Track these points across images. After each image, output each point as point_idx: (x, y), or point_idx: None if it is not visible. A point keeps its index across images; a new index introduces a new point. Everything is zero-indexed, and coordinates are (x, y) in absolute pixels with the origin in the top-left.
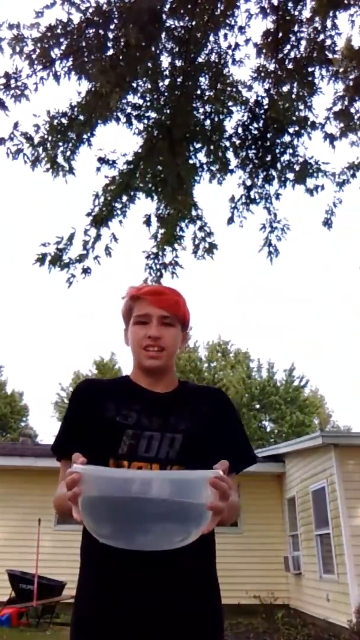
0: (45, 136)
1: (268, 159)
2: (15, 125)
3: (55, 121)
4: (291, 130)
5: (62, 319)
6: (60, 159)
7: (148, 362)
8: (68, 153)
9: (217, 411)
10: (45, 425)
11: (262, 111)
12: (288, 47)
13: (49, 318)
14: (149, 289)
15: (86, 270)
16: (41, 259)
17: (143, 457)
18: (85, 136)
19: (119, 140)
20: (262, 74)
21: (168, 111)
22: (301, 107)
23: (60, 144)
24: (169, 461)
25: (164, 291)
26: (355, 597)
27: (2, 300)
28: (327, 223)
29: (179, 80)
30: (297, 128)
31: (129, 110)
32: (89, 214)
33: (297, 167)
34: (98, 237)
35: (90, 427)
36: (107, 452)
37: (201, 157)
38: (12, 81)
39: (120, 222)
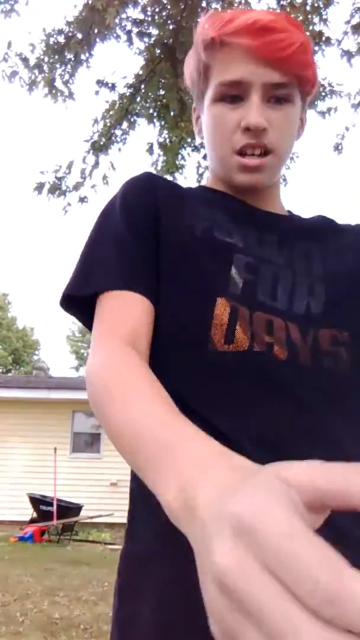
0: (42, 57)
1: None
2: (9, 45)
3: (52, 40)
4: None
5: (72, 251)
6: (58, 83)
7: (242, 178)
8: (66, 76)
9: None
10: (56, 359)
11: None
12: None
13: (57, 251)
14: (245, 21)
15: (83, 199)
16: (39, 187)
17: (268, 306)
18: (83, 57)
19: (119, 62)
20: None
21: (171, 27)
22: (316, 20)
23: (58, 65)
24: (311, 319)
25: (273, 26)
26: None
27: (10, 234)
28: (338, 148)
29: None
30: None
31: (129, 27)
32: (87, 141)
33: None
34: (96, 164)
35: (169, 244)
36: (208, 287)
37: None
38: None
39: (120, 149)
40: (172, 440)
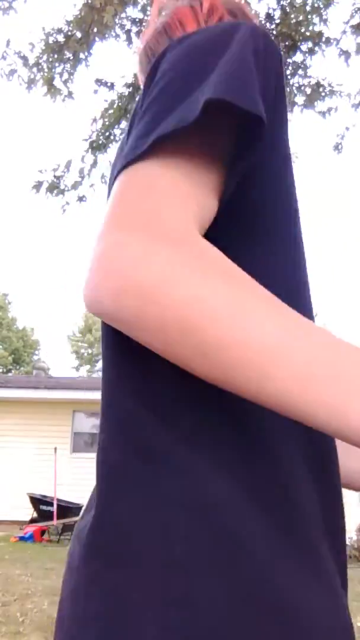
0: (41, 56)
1: None
2: (7, 43)
3: (51, 39)
4: (304, 47)
5: (71, 250)
6: (57, 82)
7: None
8: (65, 75)
9: None
10: (56, 359)
11: (272, 26)
12: None
13: (57, 250)
14: None
15: (81, 198)
16: (37, 186)
17: None
18: (82, 55)
19: (118, 61)
20: None
21: None
22: (316, 20)
23: (57, 64)
24: None
25: None
26: (356, 516)
27: (10, 234)
28: (338, 148)
29: None
30: (310, 45)
31: (128, 26)
32: (86, 140)
33: (308, 90)
34: (94, 163)
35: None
36: (294, 247)
37: None
38: None
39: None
40: None
